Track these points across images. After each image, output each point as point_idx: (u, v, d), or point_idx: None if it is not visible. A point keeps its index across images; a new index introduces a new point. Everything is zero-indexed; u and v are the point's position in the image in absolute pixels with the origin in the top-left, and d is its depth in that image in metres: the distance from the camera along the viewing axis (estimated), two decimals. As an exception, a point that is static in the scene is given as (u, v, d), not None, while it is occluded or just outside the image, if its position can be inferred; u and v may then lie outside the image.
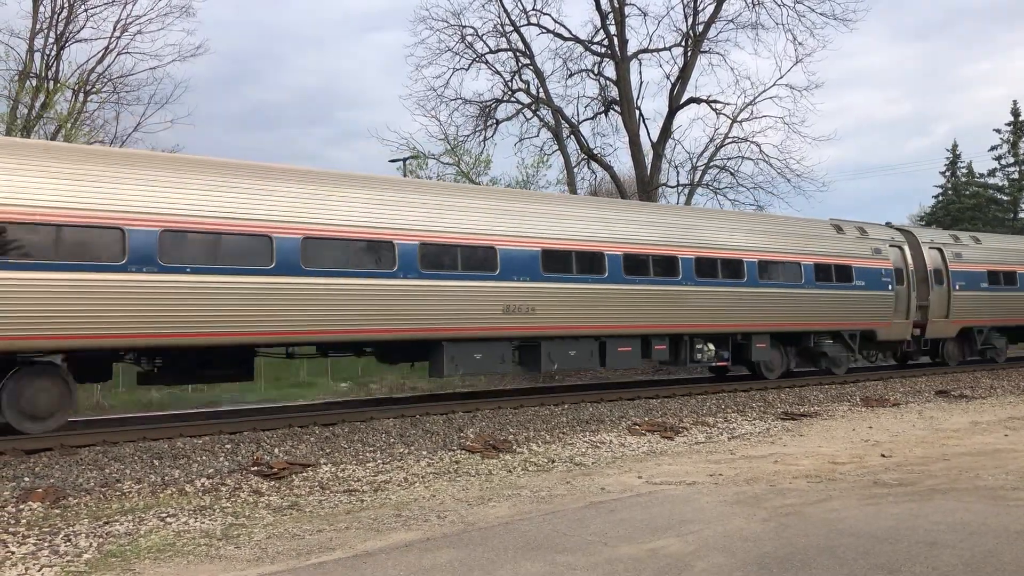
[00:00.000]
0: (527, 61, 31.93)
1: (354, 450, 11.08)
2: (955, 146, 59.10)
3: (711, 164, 32.40)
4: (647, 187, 30.79)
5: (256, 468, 9.73)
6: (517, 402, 15.46)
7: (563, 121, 32.18)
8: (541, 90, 31.97)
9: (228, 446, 11.03)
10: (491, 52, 31.86)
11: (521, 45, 31.81)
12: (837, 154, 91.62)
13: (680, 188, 32.63)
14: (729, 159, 32.51)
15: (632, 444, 11.77)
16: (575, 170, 32.73)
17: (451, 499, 8.35)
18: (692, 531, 6.88)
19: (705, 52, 31.67)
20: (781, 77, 36.11)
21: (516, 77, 32.23)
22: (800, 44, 32.41)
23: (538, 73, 31.90)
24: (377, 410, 14.30)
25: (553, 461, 10.49)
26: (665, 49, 31.80)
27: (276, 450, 10.90)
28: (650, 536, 6.74)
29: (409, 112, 63.31)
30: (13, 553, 6.46)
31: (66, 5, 26.21)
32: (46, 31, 26.09)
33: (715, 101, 31.95)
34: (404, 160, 32.84)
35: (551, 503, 8.09)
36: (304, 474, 9.57)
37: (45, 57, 26.22)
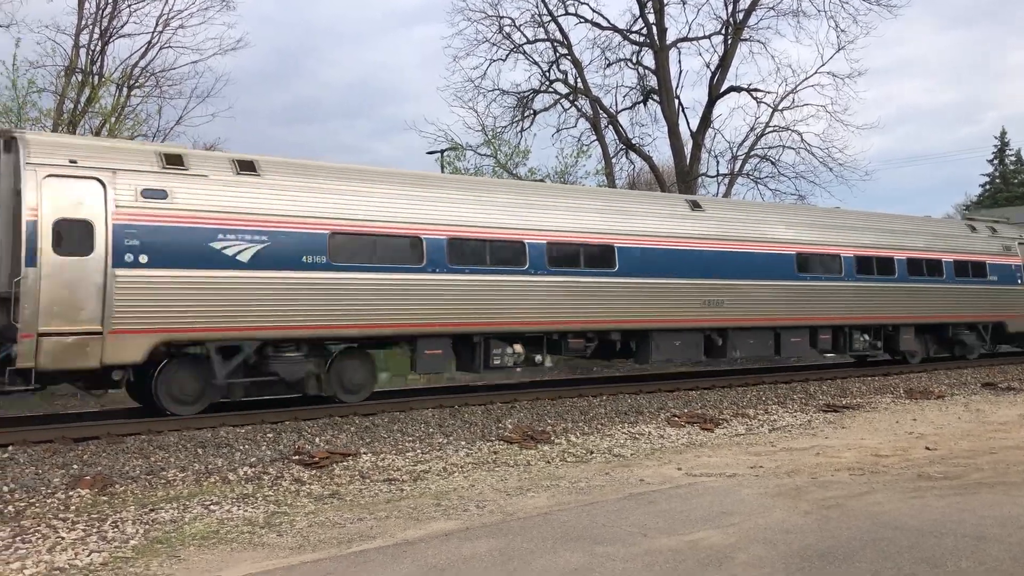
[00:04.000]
0: (565, 51, 31.80)
1: (394, 440, 11.16)
2: (1003, 133, 57.97)
3: (752, 153, 32.04)
4: (686, 177, 30.54)
5: (297, 457, 9.85)
6: (555, 393, 15.46)
7: (601, 111, 32.00)
8: (579, 80, 31.82)
9: (270, 435, 11.17)
10: (529, 42, 31.78)
11: (559, 35, 31.70)
12: (881, 143, 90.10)
13: (720, 178, 32.34)
14: (770, 148, 32.13)
15: (671, 436, 11.70)
16: (613, 160, 32.58)
17: (490, 489, 8.37)
18: (732, 523, 6.83)
19: (745, 40, 31.30)
20: (823, 65, 35.37)
21: (554, 67, 32.10)
22: (842, 31, 31.92)
23: (576, 63, 31.76)
24: (416, 400, 14.39)
25: (592, 452, 10.47)
26: (705, 37, 31.47)
27: (317, 439, 11.01)
28: (690, 528, 6.71)
29: (447, 104, 63.41)
30: (63, 538, 6.61)
31: (110, 1, 26.60)
32: (91, 27, 26.46)
33: (756, 89, 31.58)
34: (442, 152, 32.89)
35: (590, 494, 8.08)
36: (345, 463, 9.66)
37: (90, 52, 26.62)
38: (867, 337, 19.79)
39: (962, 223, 23.20)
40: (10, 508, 7.53)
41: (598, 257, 15.45)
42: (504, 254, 14.54)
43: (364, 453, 10.24)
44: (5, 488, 8.26)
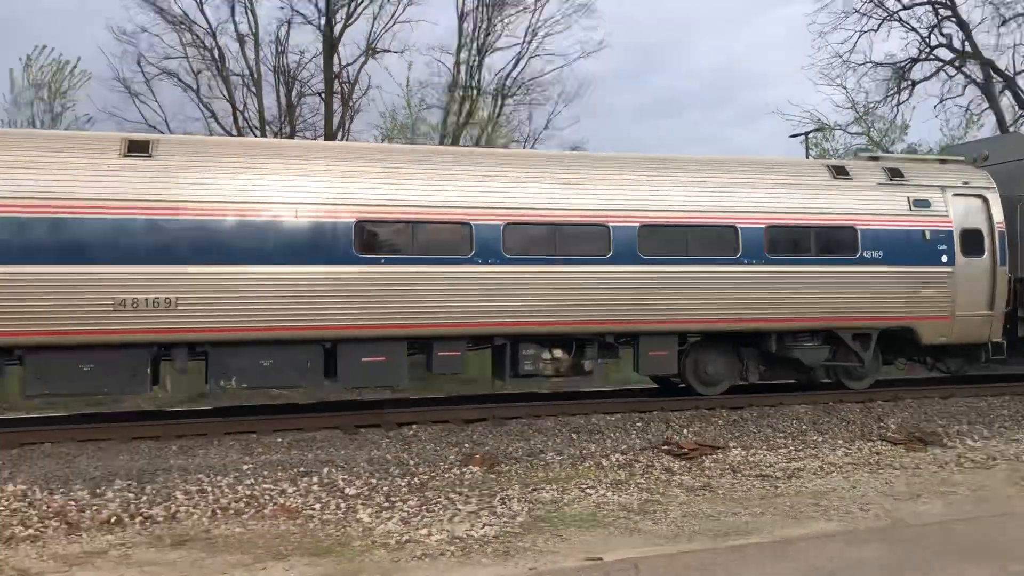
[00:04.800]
0: (948, 13, 28.69)
1: (763, 435, 10.83)
2: None
3: None
4: (1107, 143, 26.11)
5: (666, 448, 9.92)
6: (946, 391, 14.02)
7: (995, 75, 28.46)
8: (966, 43, 28.56)
9: (639, 424, 11.39)
10: (904, 8, 29.13)
11: (940, -5, 28.71)
12: None
13: None
14: None
15: (1097, 444, 10.08)
16: (1011, 129, 28.80)
17: (873, 492, 7.82)
18: None
19: None
20: None
21: (935, 32, 29.13)
22: None
23: (962, 24, 28.51)
24: (785, 395, 13.81)
25: (994, 458, 9.35)
26: None
27: (684, 431, 11.02)
28: None
29: (811, 83, 60.40)
30: (460, 511, 7.27)
31: (486, 18, 28.92)
32: (469, 44, 29.03)
33: None
34: (806, 134, 31.28)
35: (996, 504, 7.23)
36: (714, 456, 9.55)
37: (469, 68, 29.17)
38: (555, 353, 12.27)
39: (816, 163, 15.12)
40: (415, 480, 8.44)
41: None
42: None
43: (733, 447, 10.04)
44: (411, 461, 9.28)
